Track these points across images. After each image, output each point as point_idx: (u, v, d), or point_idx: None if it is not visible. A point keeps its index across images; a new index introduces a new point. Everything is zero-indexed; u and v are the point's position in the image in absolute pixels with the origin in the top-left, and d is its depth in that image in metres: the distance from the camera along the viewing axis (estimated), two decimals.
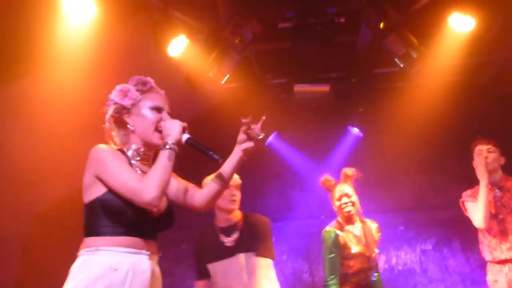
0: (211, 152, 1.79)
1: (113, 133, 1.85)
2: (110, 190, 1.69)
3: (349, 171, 3.51)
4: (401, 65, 3.99)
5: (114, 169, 1.69)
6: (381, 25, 3.78)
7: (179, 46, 3.68)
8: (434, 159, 5.16)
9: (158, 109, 1.85)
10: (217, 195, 1.93)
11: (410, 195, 5.22)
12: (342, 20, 3.87)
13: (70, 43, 3.11)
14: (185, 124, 1.80)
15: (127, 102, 1.82)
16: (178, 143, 1.75)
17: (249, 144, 1.90)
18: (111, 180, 1.68)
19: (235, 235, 2.88)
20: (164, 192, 1.68)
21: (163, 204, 1.84)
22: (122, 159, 1.75)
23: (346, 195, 3.37)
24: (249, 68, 4.53)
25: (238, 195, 2.98)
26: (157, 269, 1.79)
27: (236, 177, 3.02)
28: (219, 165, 1.91)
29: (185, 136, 1.79)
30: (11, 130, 3.41)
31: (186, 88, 4.00)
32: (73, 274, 1.65)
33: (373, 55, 4.33)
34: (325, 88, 4.64)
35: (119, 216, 1.68)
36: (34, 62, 3.12)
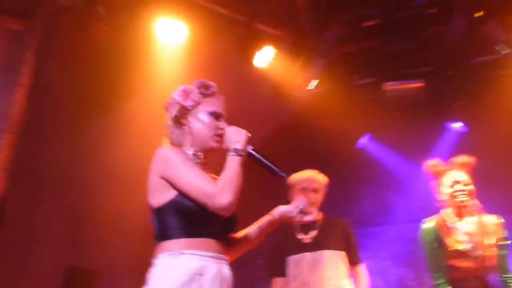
0: (277, 168, 1.69)
1: (171, 132, 1.81)
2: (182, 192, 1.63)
3: (466, 158, 2.99)
4: (503, 52, 3.65)
5: (184, 170, 1.63)
6: (477, 14, 3.51)
7: (265, 57, 3.78)
8: None
9: (216, 115, 1.79)
10: (239, 252, 1.86)
11: None
12: (433, 10, 3.67)
13: (165, 64, 3.37)
14: (249, 134, 1.72)
15: (188, 103, 1.78)
16: (244, 152, 1.68)
17: (291, 216, 1.86)
18: (181, 181, 1.62)
19: (313, 233, 2.85)
20: (237, 198, 1.61)
21: None
22: (191, 160, 1.71)
23: (461, 182, 2.86)
24: (335, 71, 4.48)
25: (315, 197, 2.91)
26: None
27: (309, 177, 2.96)
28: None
29: (250, 148, 1.71)
30: (122, 146, 3.77)
31: (273, 97, 4.08)
32: (160, 277, 1.60)
33: (466, 44, 4.02)
34: (418, 84, 4.41)
35: (194, 218, 1.63)
36: (136, 86, 3.43)
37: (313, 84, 4.09)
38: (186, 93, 1.79)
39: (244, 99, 3.85)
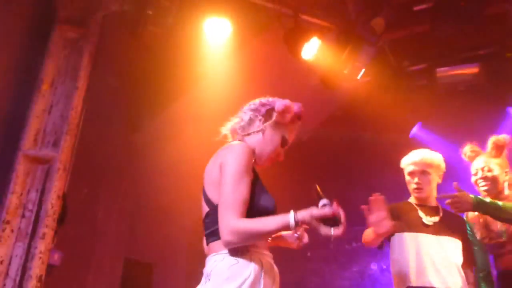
0: (332, 237, 1.59)
1: (248, 125, 1.87)
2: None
3: (499, 139, 2.81)
4: None
5: (240, 180, 1.65)
6: None
7: (312, 49, 3.73)
8: None
9: (286, 143, 1.87)
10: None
11: None
12: None
13: (214, 63, 3.42)
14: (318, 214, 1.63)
15: (280, 119, 1.84)
16: (302, 222, 1.62)
17: (290, 242, 1.97)
18: (226, 187, 1.64)
19: (435, 218, 2.63)
20: (242, 243, 1.62)
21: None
22: (251, 174, 1.71)
23: (480, 169, 2.77)
24: (384, 59, 4.35)
25: (423, 181, 2.69)
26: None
27: (422, 158, 2.73)
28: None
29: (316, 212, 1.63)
30: (175, 143, 3.87)
31: (321, 88, 4.03)
32: (230, 273, 1.62)
33: None
34: (473, 68, 4.20)
35: (252, 213, 1.64)
36: (186, 85, 3.51)
37: (360, 73, 3.99)
38: (287, 110, 1.84)
39: (293, 92, 3.81)
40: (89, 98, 3.25)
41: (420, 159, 2.73)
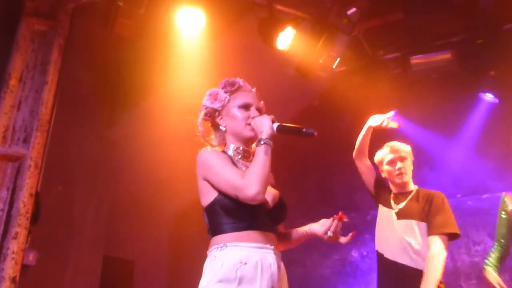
0: (304, 129, 1.77)
1: (211, 136, 1.96)
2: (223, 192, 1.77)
3: None
4: None
5: (218, 169, 1.77)
6: None
7: (286, 39, 3.72)
8: None
9: (246, 107, 1.90)
10: (283, 246, 1.99)
11: None
12: None
13: (188, 54, 3.38)
14: (273, 116, 1.83)
15: (217, 105, 1.91)
16: (272, 137, 1.79)
17: (320, 236, 1.94)
18: (216, 179, 1.76)
19: (402, 205, 2.87)
20: (265, 186, 1.73)
21: (275, 196, 1.88)
22: (224, 158, 1.82)
23: None
24: (359, 48, 4.37)
25: (405, 166, 2.92)
26: (282, 264, 1.83)
27: (398, 147, 3.00)
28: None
29: (275, 125, 1.81)
30: (151, 137, 3.81)
31: (298, 78, 4.02)
32: (207, 270, 1.74)
33: (501, 9, 3.84)
34: (446, 55, 4.26)
35: (237, 213, 1.75)
36: (160, 77, 3.45)
37: (335, 62, 4.00)
38: (213, 96, 1.92)
39: (268, 82, 3.81)
40: (60, 93, 3.17)
41: (397, 147, 2.98)
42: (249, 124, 1.86)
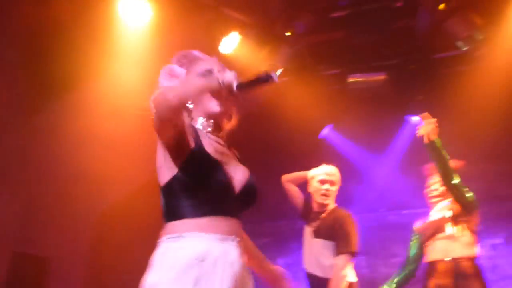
0: (263, 76, 1.57)
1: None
2: (184, 167, 1.50)
3: None
4: (464, 48, 3.77)
5: None
6: (441, 6, 3.60)
7: (231, 43, 3.70)
8: (503, 147, 4.84)
9: (205, 74, 1.67)
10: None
11: (477, 186, 4.94)
12: (399, 4, 3.72)
13: (129, 45, 3.23)
14: (235, 73, 1.59)
15: (174, 82, 1.66)
16: (230, 87, 1.53)
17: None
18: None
19: (317, 224, 3.12)
20: (182, 101, 1.49)
21: (245, 175, 1.63)
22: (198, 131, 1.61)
23: None
24: (301, 61, 4.46)
25: (331, 190, 3.17)
26: (246, 258, 1.57)
27: (333, 171, 3.22)
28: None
29: (235, 84, 1.56)
30: (81, 129, 3.60)
31: None
32: (156, 263, 1.46)
33: (432, 39, 4.12)
34: (381, 77, 4.48)
35: (199, 193, 1.50)
36: (97, 66, 3.27)
37: (279, 73, 4.06)
38: (168, 73, 1.68)
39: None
40: None
41: (332, 172, 3.24)
42: (214, 96, 1.61)
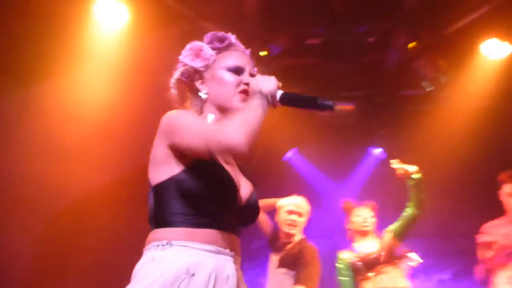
0: (319, 100, 1.36)
1: (186, 104, 1.49)
2: (189, 169, 1.31)
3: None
4: (428, 89, 3.93)
5: (193, 124, 1.32)
6: (410, 45, 3.75)
7: None
8: (458, 187, 5.02)
9: (238, 70, 1.45)
10: None
11: (430, 222, 5.09)
12: (372, 39, 3.84)
13: (100, 48, 3.15)
14: (280, 83, 1.40)
15: (199, 64, 1.45)
16: (273, 98, 1.36)
17: None
18: (187, 136, 1.30)
19: (282, 253, 3.15)
20: (251, 142, 1.24)
21: (250, 191, 1.46)
22: (199, 118, 1.41)
23: None
24: None
25: (299, 221, 3.20)
26: (241, 275, 1.40)
27: (301, 204, 3.27)
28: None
29: (280, 92, 1.38)
30: (31, 133, 3.45)
31: None
32: (140, 274, 1.27)
33: (401, 76, 4.27)
34: (349, 106, 4.59)
35: (199, 201, 1.31)
36: (63, 63, 3.16)
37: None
38: (195, 52, 1.47)
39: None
40: None
41: (301, 204, 3.29)
42: (241, 93, 1.42)
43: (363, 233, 3.33)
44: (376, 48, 3.95)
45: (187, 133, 1.31)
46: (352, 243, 3.38)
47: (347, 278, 3.25)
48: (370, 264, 3.19)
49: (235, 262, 1.36)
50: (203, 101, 1.47)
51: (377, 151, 5.11)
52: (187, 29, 3.52)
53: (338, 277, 3.29)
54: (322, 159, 5.31)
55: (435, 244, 4.99)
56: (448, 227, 5.05)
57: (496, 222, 3.28)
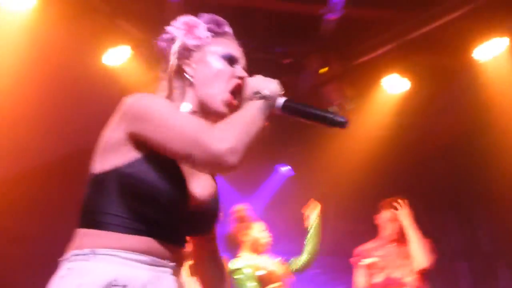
0: (332, 115, 1.16)
1: (168, 85, 1.25)
2: (137, 162, 1.11)
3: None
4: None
5: (169, 116, 1.10)
6: (321, 71, 3.94)
7: (120, 56, 3.54)
8: (354, 209, 5.33)
9: (232, 60, 1.26)
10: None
11: (327, 241, 5.33)
12: (287, 61, 3.97)
13: (3, 29, 2.83)
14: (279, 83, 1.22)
15: (191, 41, 1.24)
16: (273, 105, 1.18)
17: None
18: (163, 132, 1.07)
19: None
20: (246, 150, 1.06)
21: (210, 193, 1.26)
22: (177, 107, 1.20)
23: None
24: None
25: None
26: (183, 287, 1.21)
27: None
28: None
29: (282, 99, 1.19)
30: None
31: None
32: None
33: (311, 99, 4.46)
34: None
35: (139, 203, 1.10)
36: None
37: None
38: (189, 27, 1.25)
39: (88, 97, 3.46)
40: None
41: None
42: (233, 87, 1.22)
43: (261, 247, 3.37)
44: (290, 70, 4.09)
45: (164, 129, 1.08)
46: (239, 254, 3.29)
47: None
48: (274, 279, 3.22)
49: (175, 274, 1.16)
50: (185, 85, 1.25)
51: (285, 168, 5.26)
52: (103, 24, 3.33)
53: None
54: (237, 178, 5.33)
55: (331, 261, 5.24)
56: (340, 246, 5.33)
57: (370, 244, 3.47)
